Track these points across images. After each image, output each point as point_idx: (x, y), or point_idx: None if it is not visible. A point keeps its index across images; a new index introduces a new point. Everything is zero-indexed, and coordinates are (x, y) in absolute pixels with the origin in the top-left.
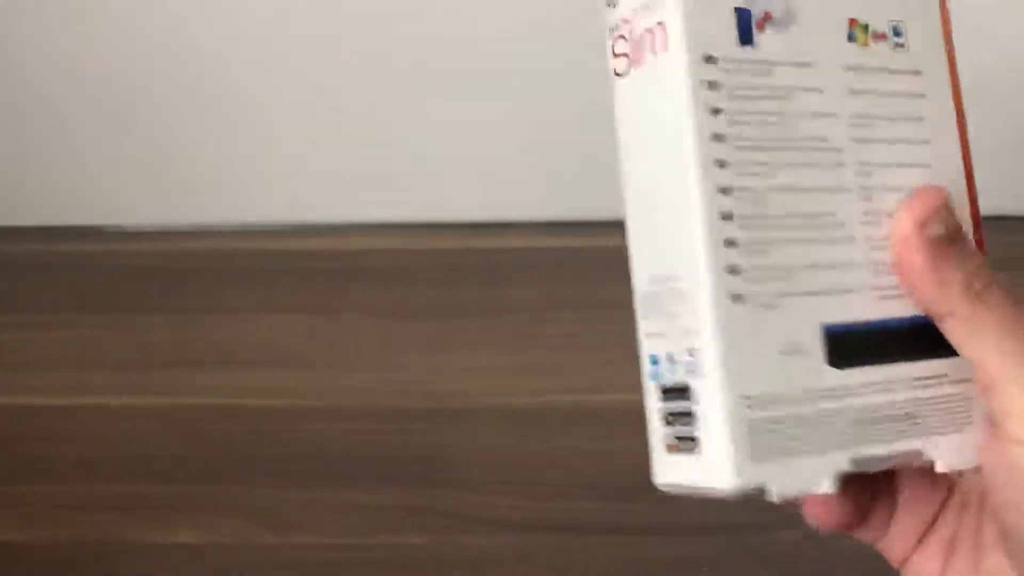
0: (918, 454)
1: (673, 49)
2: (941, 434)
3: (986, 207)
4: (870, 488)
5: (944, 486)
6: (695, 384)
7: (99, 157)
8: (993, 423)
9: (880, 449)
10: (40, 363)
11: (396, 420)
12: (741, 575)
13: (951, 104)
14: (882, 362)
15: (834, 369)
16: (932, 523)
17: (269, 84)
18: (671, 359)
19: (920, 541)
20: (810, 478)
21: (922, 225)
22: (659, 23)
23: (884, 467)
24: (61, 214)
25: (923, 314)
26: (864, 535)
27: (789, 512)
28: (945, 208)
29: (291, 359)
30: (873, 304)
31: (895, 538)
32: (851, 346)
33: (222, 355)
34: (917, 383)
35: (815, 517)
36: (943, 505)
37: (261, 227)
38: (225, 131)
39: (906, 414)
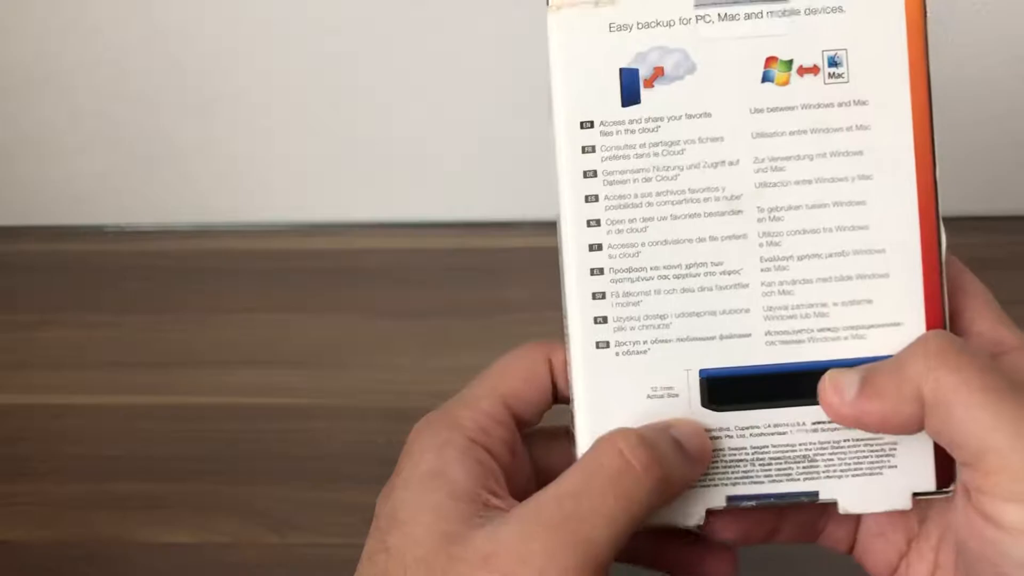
0: (814, 495)
1: (553, 115)
2: (845, 477)
3: (984, 207)
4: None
5: (912, 518)
6: (574, 422)
7: (99, 157)
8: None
9: (763, 488)
10: (40, 363)
11: (396, 420)
12: (742, 574)
13: (908, 132)
14: (772, 406)
15: (711, 412)
16: (906, 552)
17: (269, 84)
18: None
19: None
20: (681, 512)
21: (839, 416)
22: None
23: (772, 505)
24: (61, 214)
25: (834, 358)
26: (793, 538)
27: None
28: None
29: (291, 359)
30: (765, 349)
31: (868, 557)
32: (732, 390)
33: (222, 355)
34: (817, 427)
35: (716, 530)
36: (914, 536)
37: (261, 227)
38: (225, 131)
39: (803, 456)
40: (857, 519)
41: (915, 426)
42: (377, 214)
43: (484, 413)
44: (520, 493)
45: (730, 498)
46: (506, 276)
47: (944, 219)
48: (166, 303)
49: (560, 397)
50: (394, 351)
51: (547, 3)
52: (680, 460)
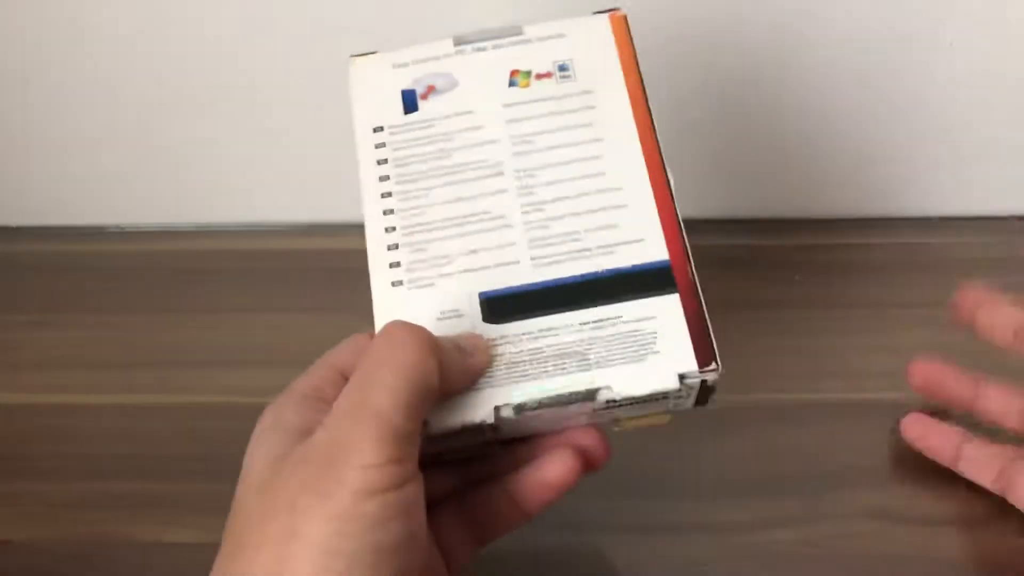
0: (592, 391)
1: (353, 127)
2: (615, 365)
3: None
4: None
5: None
6: None
7: (99, 157)
8: None
9: (544, 384)
10: (40, 363)
11: None
12: (741, 574)
13: (626, 104)
14: (542, 314)
15: (492, 325)
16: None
17: (269, 84)
18: None
19: None
20: (473, 410)
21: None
22: None
23: (555, 402)
24: (61, 214)
25: (591, 271)
26: None
27: (789, 513)
28: None
29: (291, 359)
30: (532, 271)
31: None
32: (508, 305)
33: (222, 355)
34: (584, 326)
35: (909, 427)
36: None
37: (261, 227)
38: (225, 131)
39: (574, 352)
40: None
41: None
42: None
43: (316, 376)
44: None
45: (517, 395)
46: None
47: (944, 219)
48: (166, 303)
49: None
50: None
51: (349, 60)
52: (454, 349)
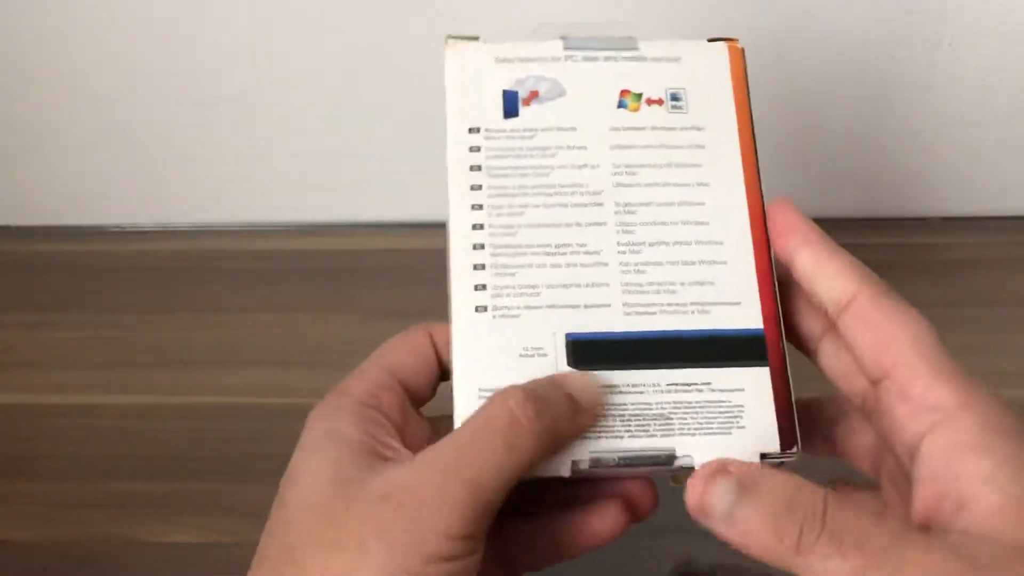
0: (672, 451)
1: (447, 123)
2: (698, 435)
3: (986, 207)
4: None
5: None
6: (452, 378)
7: (99, 157)
8: None
9: (624, 443)
10: (40, 363)
11: None
12: (742, 574)
13: (736, 154)
14: (629, 367)
15: (574, 369)
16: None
17: (269, 84)
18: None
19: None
20: (547, 465)
21: (704, 513)
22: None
23: (633, 463)
24: (61, 214)
25: (683, 328)
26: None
27: None
28: (721, 481)
29: (291, 359)
30: (623, 318)
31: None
32: (594, 351)
33: (222, 355)
34: (671, 388)
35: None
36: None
37: (261, 227)
38: (225, 131)
39: (659, 414)
40: None
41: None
42: (377, 214)
43: (371, 381)
44: (414, 450)
45: (594, 453)
46: None
47: (944, 219)
48: (166, 303)
49: (446, 372)
50: None
51: (445, 42)
52: (569, 412)
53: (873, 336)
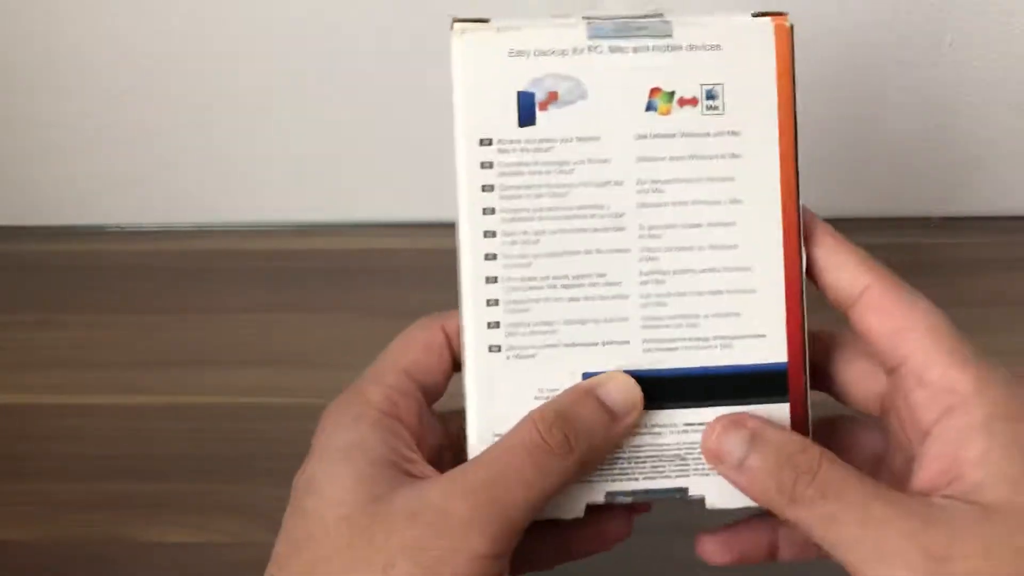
0: (684, 491)
1: (455, 132)
2: (712, 475)
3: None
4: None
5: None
6: (466, 420)
7: (99, 157)
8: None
9: (639, 485)
10: (40, 363)
11: None
12: (742, 574)
13: (775, 163)
14: (648, 407)
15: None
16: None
17: (269, 84)
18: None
19: None
20: (562, 506)
21: (718, 458)
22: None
23: (647, 500)
24: (61, 214)
25: (703, 366)
26: (794, 556)
27: None
28: (737, 431)
29: (290, 359)
30: (642, 355)
31: None
32: None
33: (222, 355)
34: (688, 428)
35: (710, 555)
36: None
37: (261, 227)
38: (225, 131)
39: (675, 455)
40: None
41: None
42: (377, 214)
43: (390, 387)
44: (430, 456)
45: (609, 494)
46: None
47: (944, 219)
48: (166, 303)
49: (458, 364)
50: None
51: (451, 27)
52: (603, 425)
53: (890, 324)
